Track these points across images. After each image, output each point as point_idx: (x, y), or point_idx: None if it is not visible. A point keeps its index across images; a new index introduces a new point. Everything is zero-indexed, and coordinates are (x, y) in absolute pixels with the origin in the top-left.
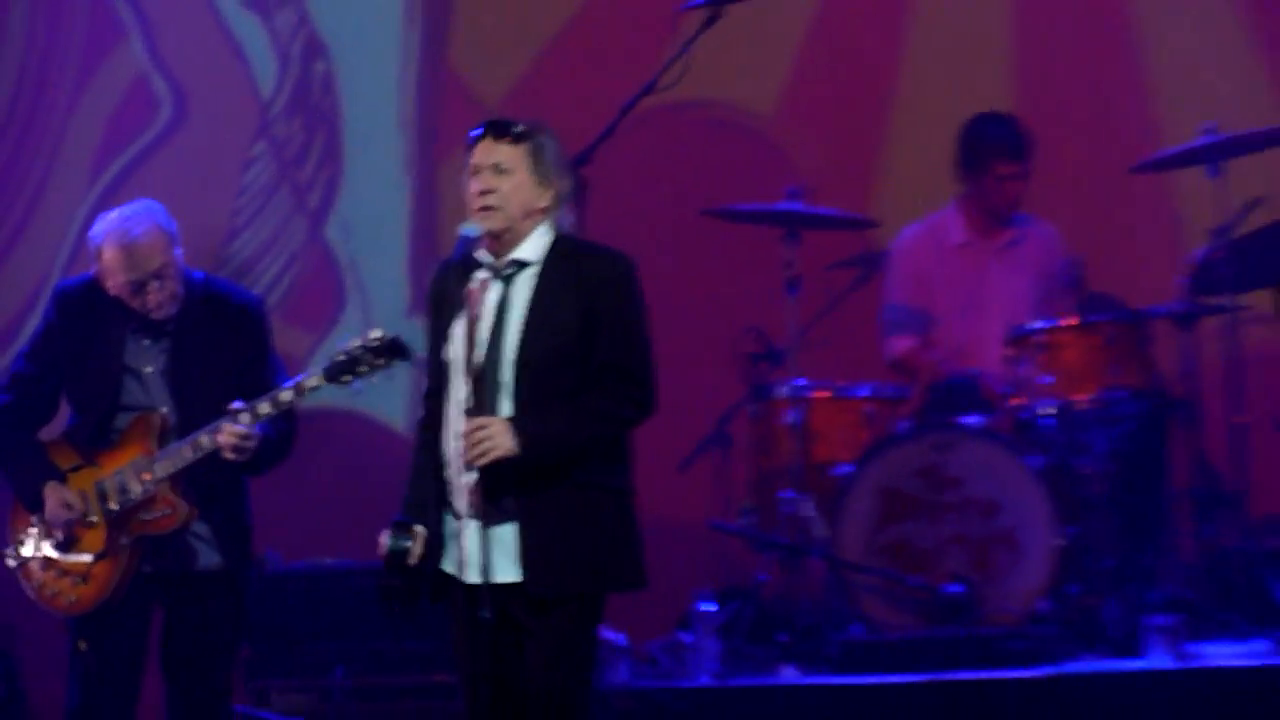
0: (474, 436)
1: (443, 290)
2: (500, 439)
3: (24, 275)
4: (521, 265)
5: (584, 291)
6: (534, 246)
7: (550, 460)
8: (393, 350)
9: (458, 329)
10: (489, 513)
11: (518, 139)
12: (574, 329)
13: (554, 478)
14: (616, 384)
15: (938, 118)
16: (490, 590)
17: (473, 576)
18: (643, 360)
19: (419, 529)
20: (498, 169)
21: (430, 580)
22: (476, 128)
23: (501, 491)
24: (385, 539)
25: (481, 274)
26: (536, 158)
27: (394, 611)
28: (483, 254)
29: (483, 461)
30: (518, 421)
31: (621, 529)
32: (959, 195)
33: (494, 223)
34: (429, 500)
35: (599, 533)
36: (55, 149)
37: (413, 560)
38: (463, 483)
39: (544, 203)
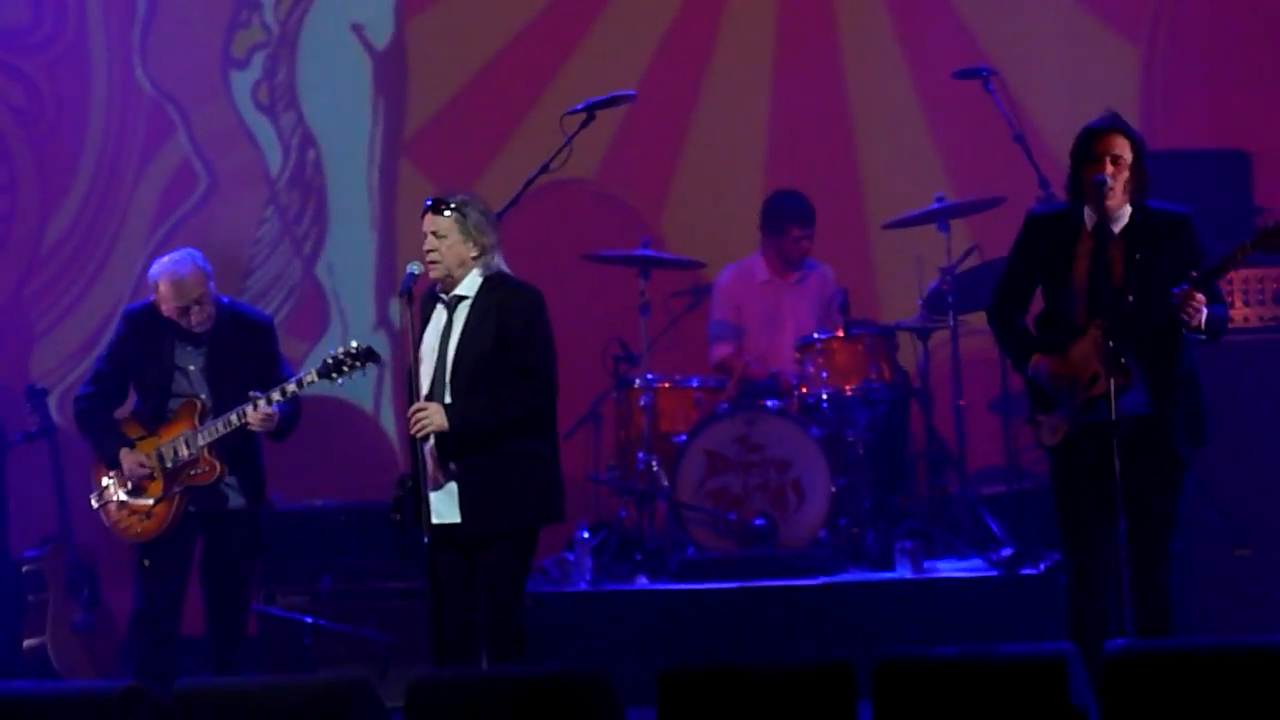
0: (415, 416)
1: (423, 314)
2: (435, 418)
3: (101, 302)
4: (461, 298)
5: (501, 314)
6: (469, 285)
7: (473, 433)
8: (368, 355)
9: (426, 343)
10: (441, 473)
11: (449, 211)
12: (492, 342)
13: (484, 447)
14: (523, 380)
15: (746, 189)
16: (442, 529)
17: (437, 519)
18: (543, 362)
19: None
20: (436, 234)
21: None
22: (426, 202)
23: (448, 458)
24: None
25: (440, 306)
26: (463, 224)
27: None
28: (438, 291)
29: (421, 434)
30: (449, 406)
31: (535, 481)
32: (762, 246)
33: (436, 273)
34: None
35: (517, 485)
36: (124, 212)
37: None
38: (426, 452)
39: (473, 254)
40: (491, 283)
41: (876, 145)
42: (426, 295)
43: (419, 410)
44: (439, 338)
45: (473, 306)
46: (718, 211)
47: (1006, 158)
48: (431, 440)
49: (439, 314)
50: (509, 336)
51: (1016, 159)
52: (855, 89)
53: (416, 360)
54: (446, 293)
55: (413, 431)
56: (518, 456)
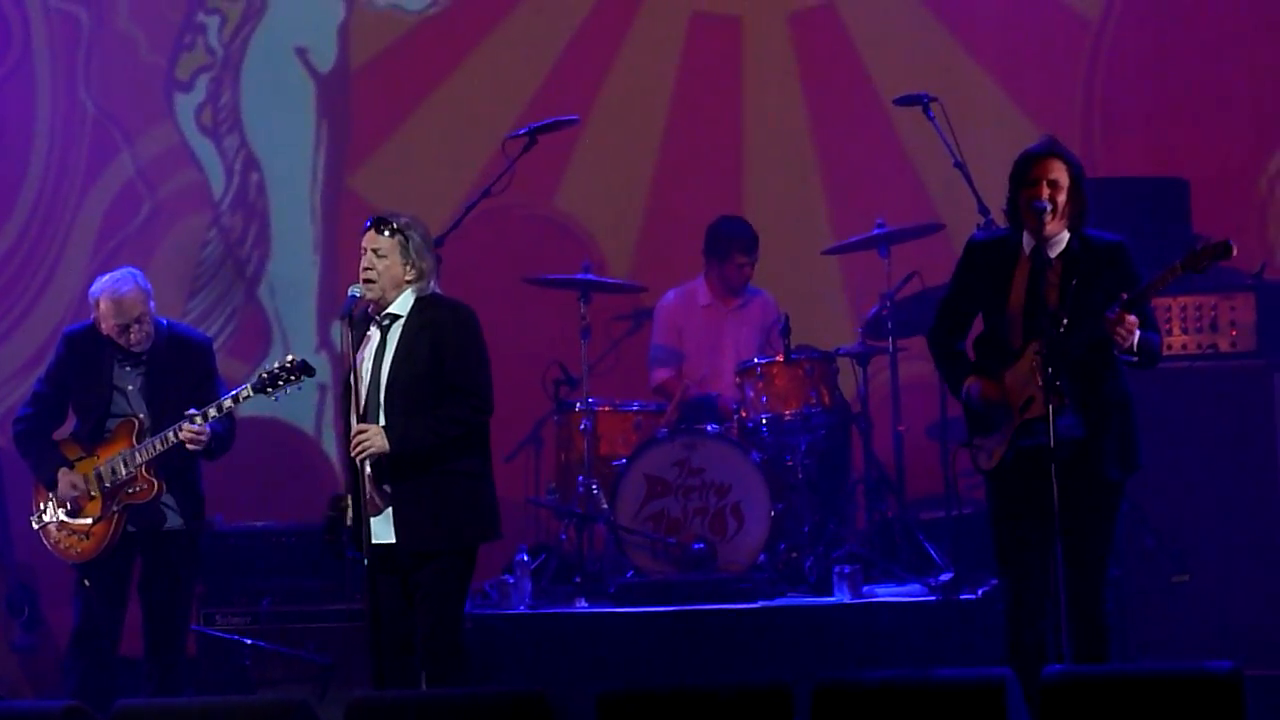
0: (356, 439)
1: (357, 335)
2: (375, 440)
3: (44, 323)
4: (395, 317)
5: (434, 333)
6: (402, 304)
7: (413, 453)
8: (302, 369)
9: (361, 362)
10: (379, 497)
11: (392, 232)
12: (426, 360)
13: (420, 468)
14: (460, 398)
15: (686, 215)
16: (379, 549)
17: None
18: (477, 379)
19: (346, 501)
20: (376, 253)
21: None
22: (367, 220)
23: (384, 480)
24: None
25: (372, 327)
26: (404, 246)
27: (336, 555)
28: (370, 311)
29: (362, 456)
30: (388, 427)
31: (470, 500)
32: (705, 271)
33: (372, 292)
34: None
35: (452, 505)
36: (68, 233)
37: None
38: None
39: (410, 276)
40: (424, 303)
41: (817, 171)
42: (360, 316)
43: (360, 432)
44: (373, 359)
45: (406, 326)
46: (658, 236)
47: (947, 184)
48: (368, 467)
49: (372, 336)
50: (444, 354)
51: (956, 185)
52: (801, 113)
53: (356, 382)
54: (379, 313)
55: (353, 454)
56: (453, 475)
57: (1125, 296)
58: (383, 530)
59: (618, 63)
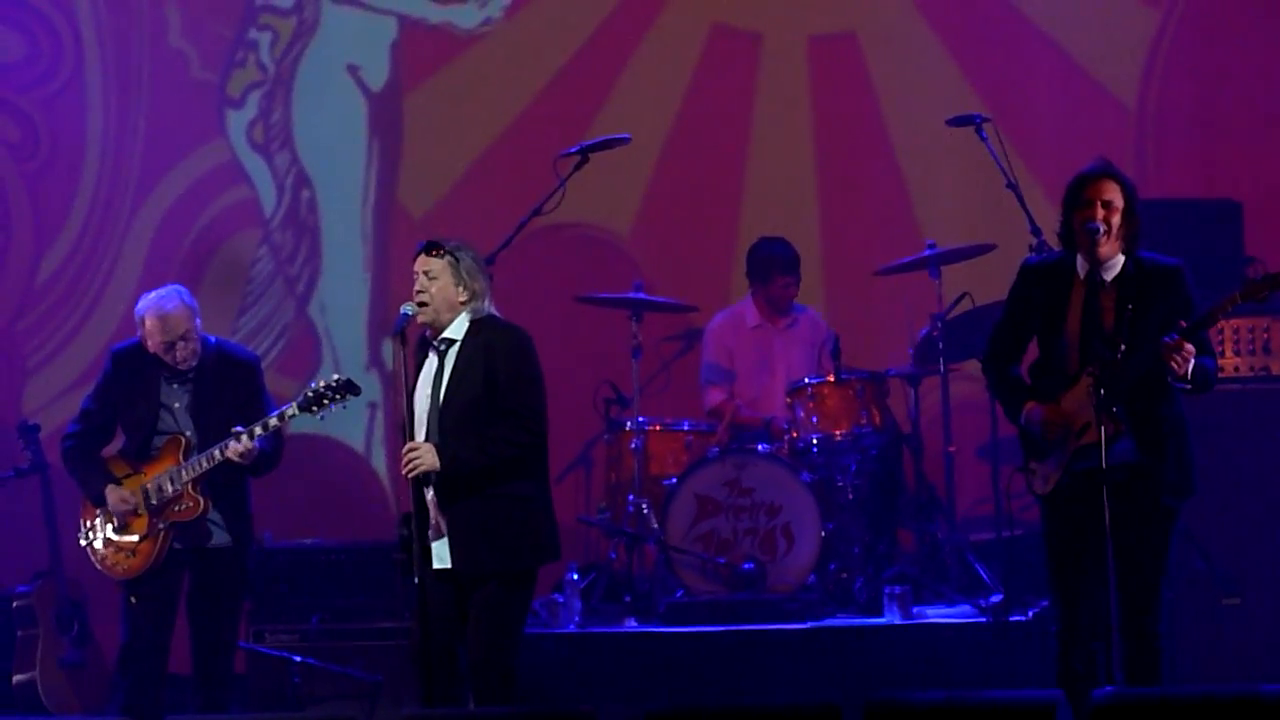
0: (407, 456)
1: (417, 359)
2: (427, 458)
3: (94, 339)
4: (450, 342)
5: (489, 357)
6: (457, 328)
7: (464, 472)
8: (347, 388)
9: (420, 387)
10: (442, 521)
11: (442, 254)
12: (480, 384)
13: (473, 490)
14: (513, 421)
15: (739, 235)
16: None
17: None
18: (531, 403)
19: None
20: (428, 275)
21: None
22: (419, 244)
23: (445, 503)
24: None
25: (430, 353)
26: (455, 268)
27: (406, 572)
28: (428, 336)
29: (414, 474)
30: (439, 446)
31: (523, 523)
32: (752, 291)
33: (425, 315)
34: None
35: (505, 528)
36: (118, 250)
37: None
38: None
39: (463, 298)
40: (479, 325)
41: (870, 191)
42: (419, 342)
43: (411, 450)
44: (431, 383)
45: (461, 350)
46: (711, 255)
47: (999, 205)
48: (431, 491)
49: (430, 360)
50: (497, 378)
51: (1008, 206)
52: (851, 135)
53: (410, 402)
54: (435, 337)
55: (404, 471)
56: (506, 499)
57: (1183, 325)
58: (439, 554)
59: (676, 84)
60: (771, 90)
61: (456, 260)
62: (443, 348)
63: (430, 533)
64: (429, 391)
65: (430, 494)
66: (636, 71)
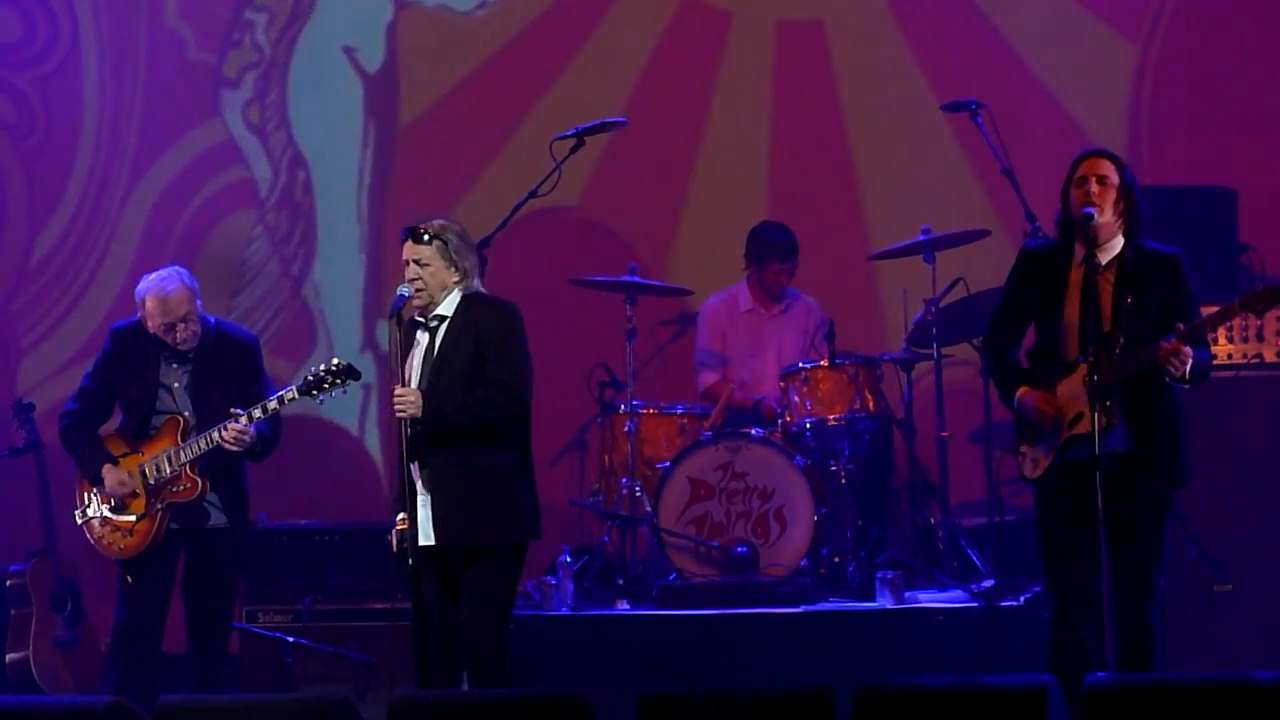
0: (398, 398)
1: (406, 341)
2: (415, 403)
3: (88, 318)
4: (442, 319)
5: (478, 330)
6: (449, 305)
7: (445, 425)
8: (348, 373)
9: (409, 365)
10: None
11: (431, 238)
12: (469, 357)
13: (456, 462)
14: (498, 388)
15: (732, 219)
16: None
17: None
18: (517, 373)
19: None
20: (419, 263)
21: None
22: (403, 230)
23: (428, 473)
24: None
25: (419, 332)
26: (445, 250)
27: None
28: (417, 316)
29: (401, 415)
30: (426, 394)
31: (506, 496)
32: (747, 276)
33: (421, 300)
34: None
35: (486, 500)
36: (113, 229)
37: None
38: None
39: (454, 278)
40: (469, 301)
41: (863, 177)
42: (407, 322)
43: (401, 394)
44: (422, 360)
45: (450, 325)
46: (704, 239)
47: (993, 190)
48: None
49: (420, 339)
50: (486, 351)
51: (1003, 192)
52: (845, 120)
53: (404, 379)
54: (426, 315)
55: (395, 411)
56: (486, 470)
57: (1180, 328)
58: (424, 531)
59: (663, 65)
60: (780, 76)
61: (445, 243)
62: (434, 325)
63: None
64: (419, 368)
65: (415, 468)
66: (638, 53)
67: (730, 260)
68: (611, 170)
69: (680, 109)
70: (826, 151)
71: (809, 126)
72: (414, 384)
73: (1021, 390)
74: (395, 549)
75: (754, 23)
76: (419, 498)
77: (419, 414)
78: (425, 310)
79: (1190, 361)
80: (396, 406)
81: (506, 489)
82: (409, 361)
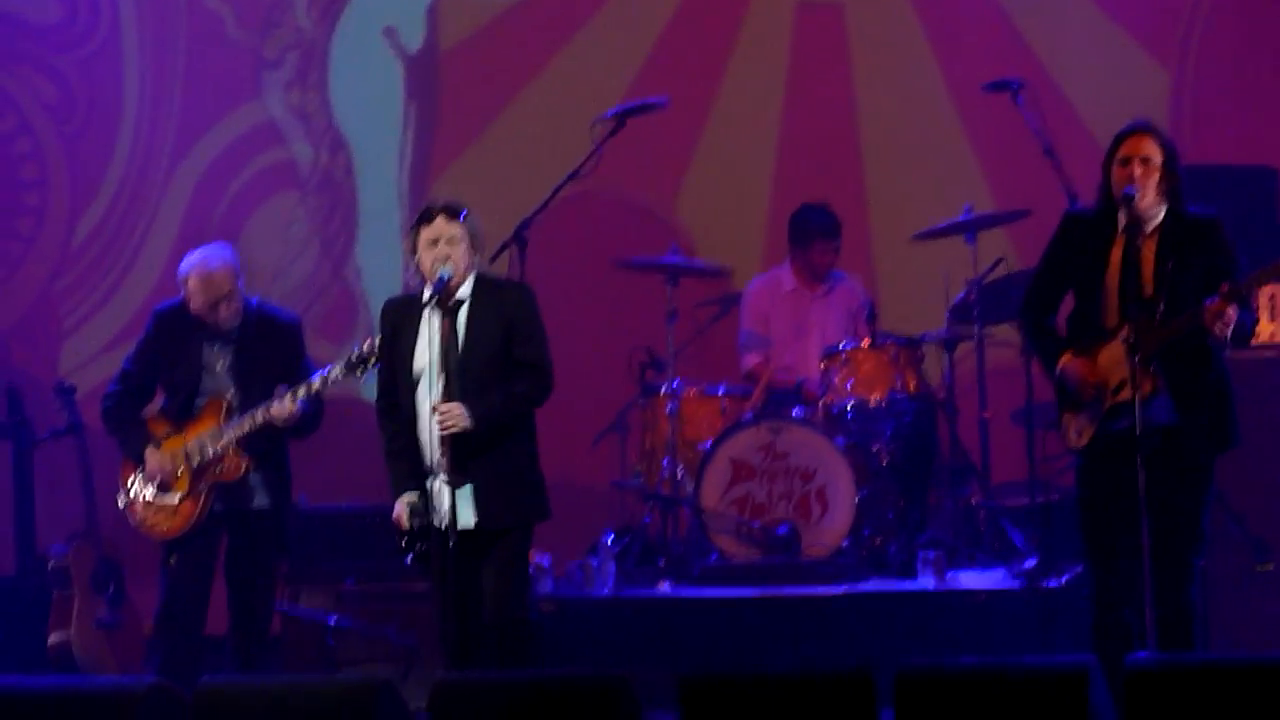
0: (443, 416)
1: (395, 322)
2: (461, 418)
3: (130, 300)
4: (460, 302)
5: (501, 313)
6: (467, 289)
7: (493, 427)
8: None
9: (420, 350)
10: (455, 477)
11: (464, 219)
12: (498, 341)
13: (490, 446)
14: (529, 375)
15: (774, 200)
16: (454, 529)
17: (446, 521)
18: (543, 357)
19: (415, 490)
20: (451, 241)
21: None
22: (435, 206)
23: (460, 461)
24: (403, 514)
25: (428, 310)
26: (473, 232)
27: (419, 556)
28: (427, 295)
29: (452, 432)
30: (470, 405)
31: (532, 478)
32: (790, 257)
33: (449, 270)
34: (413, 473)
35: (518, 483)
36: (154, 210)
37: (425, 522)
38: (438, 458)
39: (474, 259)
40: (482, 284)
41: (907, 157)
42: (398, 305)
43: (445, 411)
44: (440, 344)
45: (471, 309)
46: (747, 220)
47: (1035, 170)
48: (444, 449)
49: (430, 321)
50: (514, 335)
51: (1045, 172)
52: (888, 100)
53: (412, 363)
54: (444, 298)
55: (442, 431)
56: (517, 455)
57: (1225, 288)
58: (465, 512)
59: (716, 48)
60: (808, 55)
61: (474, 225)
62: (454, 307)
63: (443, 477)
64: (438, 352)
65: (440, 452)
66: (676, 34)
67: (773, 242)
68: (653, 151)
69: (728, 91)
70: (869, 132)
71: (850, 108)
72: (432, 371)
73: (1065, 358)
74: (407, 532)
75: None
76: (449, 481)
77: (469, 426)
78: (448, 292)
79: (1234, 322)
80: (443, 424)
81: (533, 469)
82: (414, 347)
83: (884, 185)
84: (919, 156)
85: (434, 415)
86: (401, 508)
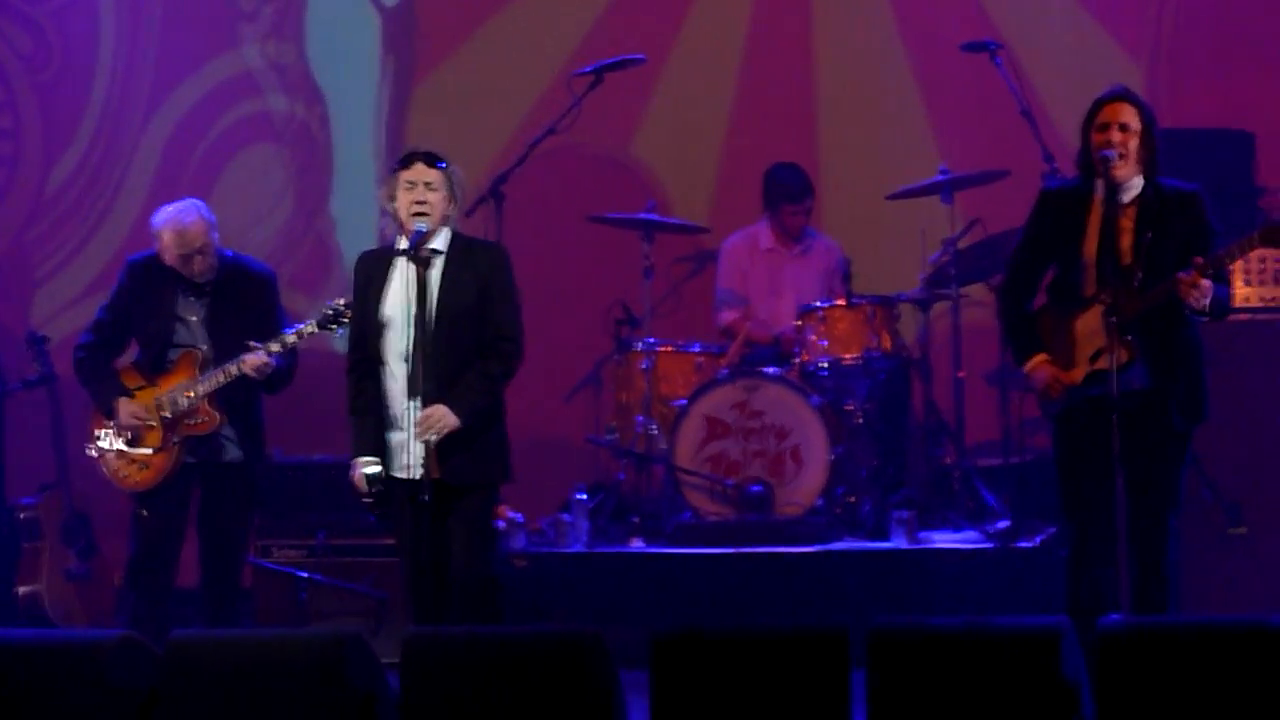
0: (428, 422)
1: (368, 275)
2: (447, 419)
3: (103, 251)
4: (436, 253)
5: (478, 270)
6: (442, 241)
7: (476, 415)
8: None
9: (391, 298)
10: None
11: (442, 165)
12: (473, 297)
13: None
14: (504, 349)
15: (752, 157)
16: (416, 484)
17: (416, 474)
18: (515, 325)
19: (376, 460)
20: (429, 186)
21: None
22: (412, 152)
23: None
24: (360, 473)
25: (402, 260)
26: (450, 181)
27: (380, 515)
28: (403, 244)
29: (440, 436)
30: (451, 402)
31: (498, 438)
32: (766, 215)
33: (425, 224)
34: (375, 430)
35: (483, 440)
36: (128, 161)
37: (383, 479)
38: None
39: (451, 211)
40: (461, 240)
41: (882, 116)
42: (372, 257)
43: (426, 417)
44: (413, 293)
45: (449, 261)
46: (724, 177)
47: (1012, 131)
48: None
49: (403, 270)
50: (490, 297)
51: (1021, 132)
52: (863, 60)
53: (379, 311)
54: (418, 248)
55: (425, 438)
56: (484, 413)
57: (1199, 260)
58: (425, 466)
59: (685, 3)
60: (778, 10)
61: (452, 174)
62: (427, 257)
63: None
64: (412, 301)
65: (411, 404)
66: None
67: (752, 199)
68: (630, 106)
69: (703, 46)
70: (844, 91)
71: (829, 66)
72: (403, 320)
73: (1037, 359)
74: (367, 495)
75: None
76: (415, 435)
77: (457, 424)
78: (422, 241)
79: (1210, 294)
80: (432, 429)
81: (499, 430)
82: (384, 294)
83: (863, 144)
84: (896, 116)
85: (416, 427)
86: (359, 473)
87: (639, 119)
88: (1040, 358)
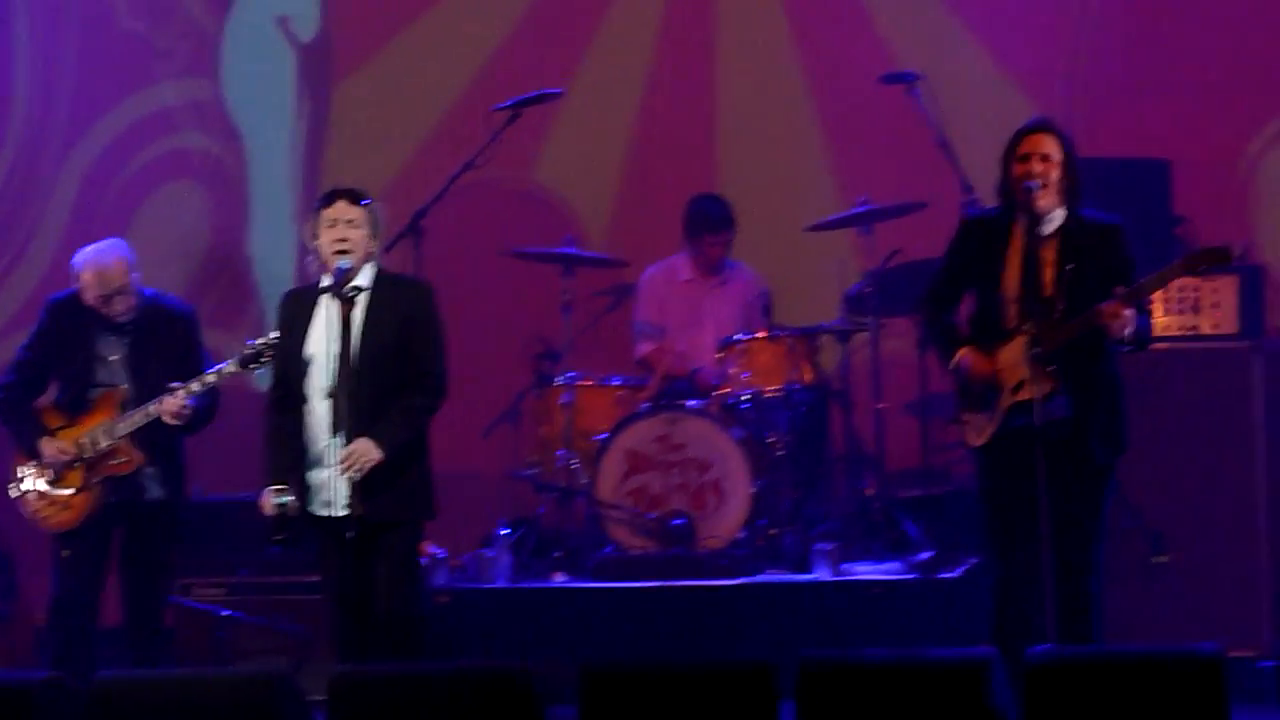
0: (352, 459)
1: (292, 312)
2: (371, 453)
3: (20, 289)
4: (359, 289)
5: (401, 308)
6: (366, 277)
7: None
8: None
9: (314, 336)
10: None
11: (364, 203)
12: (395, 334)
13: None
14: (426, 384)
15: (668, 191)
16: (338, 522)
17: (340, 512)
18: (439, 362)
19: (289, 490)
20: (351, 224)
21: (304, 521)
22: (334, 190)
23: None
24: (270, 500)
25: (326, 298)
26: (372, 219)
27: (287, 549)
28: (326, 281)
29: (364, 472)
30: (374, 436)
31: (421, 474)
32: (686, 246)
33: (348, 261)
34: (292, 464)
35: (407, 477)
36: (46, 199)
37: (294, 511)
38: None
39: (373, 248)
40: (385, 277)
41: (801, 148)
42: (294, 296)
43: (350, 454)
44: (336, 331)
45: (372, 299)
46: (642, 210)
47: (930, 162)
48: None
49: (327, 308)
50: (412, 333)
51: (940, 163)
52: (784, 91)
53: (302, 349)
54: (341, 285)
55: (348, 474)
56: (406, 449)
57: (1120, 290)
58: (338, 503)
59: (594, 32)
60: (683, 43)
61: (372, 211)
62: (351, 295)
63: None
64: (335, 338)
65: (335, 441)
66: (580, 20)
67: (670, 231)
68: (548, 141)
69: (618, 78)
70: (764, 123)
71: (752, 97)
72: (325, 357)
73: (962, 352)
74: (277, 520)
75: None
76: (339, 472)
77: (380, 458)
78: (344, 279)
79: (1133, 324)
80: (355, 465)
81: (422, 466)
82: (308, 332)
83: (781, 174)
84: (816, 147)
85: (340, 464)
86: (269, 498)
87: (559, 153)
88: (965, 350)
